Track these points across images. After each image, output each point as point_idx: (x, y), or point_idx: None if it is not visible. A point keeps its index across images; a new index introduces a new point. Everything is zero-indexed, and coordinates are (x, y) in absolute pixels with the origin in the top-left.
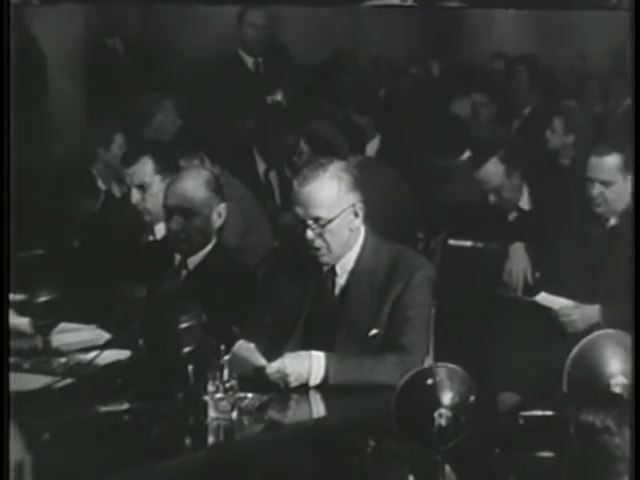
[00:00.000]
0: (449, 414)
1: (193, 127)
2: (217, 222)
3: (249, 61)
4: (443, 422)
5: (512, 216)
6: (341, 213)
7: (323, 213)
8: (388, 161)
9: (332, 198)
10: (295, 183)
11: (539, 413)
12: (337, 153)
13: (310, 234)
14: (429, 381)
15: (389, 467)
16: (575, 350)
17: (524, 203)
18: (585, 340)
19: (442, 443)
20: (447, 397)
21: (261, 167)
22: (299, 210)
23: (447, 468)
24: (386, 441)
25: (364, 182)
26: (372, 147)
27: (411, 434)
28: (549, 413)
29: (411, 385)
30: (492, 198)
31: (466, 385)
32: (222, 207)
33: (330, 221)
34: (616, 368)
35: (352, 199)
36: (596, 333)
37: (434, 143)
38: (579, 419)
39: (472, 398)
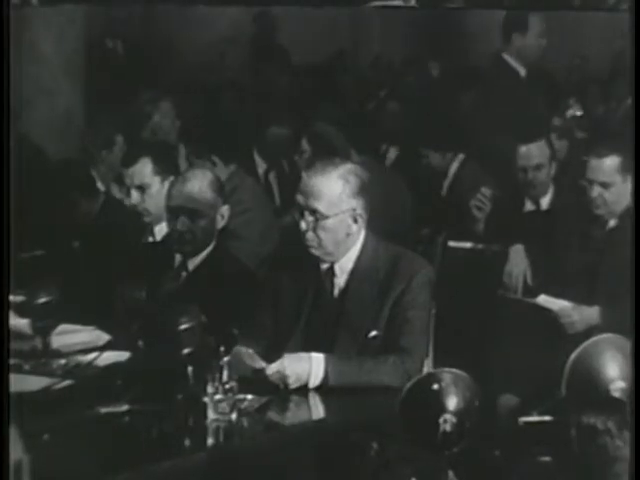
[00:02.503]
0: (454, 420)
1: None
2: (220, 224)
3: (521, 71)
4: (448, 427)
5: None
6: (339, 214)
7: (321, 207)
8: (388, 162)
9: (334, 196)
10: (304, 174)
11: (539, 417)
12: (339, 154)
13: (303, 225)
14: (435, 386)
15: (392, 470)
16: (574, 355)
17: (545, 202)
18: (584, 344)
19: (446, 448)
20: (452, 402)
21: (261, 168)
22: (300, 199)
23: (450, 473)
24: (390, 444)
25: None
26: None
27: (415, 438)
28: (547, 418)
29: (416, 390)
30: (530, 175)
31: (471, 391)
32: (225, 209)
33: (326, 217)
34: (615, 373)
35: (354, 204)
36: (595, 338)
37: (434, 142)
38: (580, 421)
39: (477, 403)
